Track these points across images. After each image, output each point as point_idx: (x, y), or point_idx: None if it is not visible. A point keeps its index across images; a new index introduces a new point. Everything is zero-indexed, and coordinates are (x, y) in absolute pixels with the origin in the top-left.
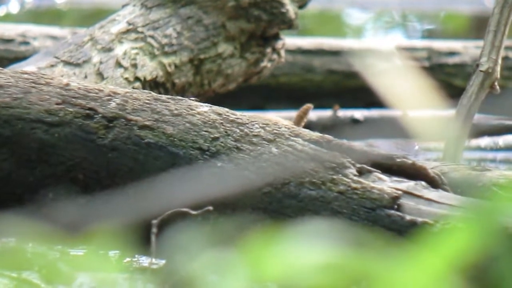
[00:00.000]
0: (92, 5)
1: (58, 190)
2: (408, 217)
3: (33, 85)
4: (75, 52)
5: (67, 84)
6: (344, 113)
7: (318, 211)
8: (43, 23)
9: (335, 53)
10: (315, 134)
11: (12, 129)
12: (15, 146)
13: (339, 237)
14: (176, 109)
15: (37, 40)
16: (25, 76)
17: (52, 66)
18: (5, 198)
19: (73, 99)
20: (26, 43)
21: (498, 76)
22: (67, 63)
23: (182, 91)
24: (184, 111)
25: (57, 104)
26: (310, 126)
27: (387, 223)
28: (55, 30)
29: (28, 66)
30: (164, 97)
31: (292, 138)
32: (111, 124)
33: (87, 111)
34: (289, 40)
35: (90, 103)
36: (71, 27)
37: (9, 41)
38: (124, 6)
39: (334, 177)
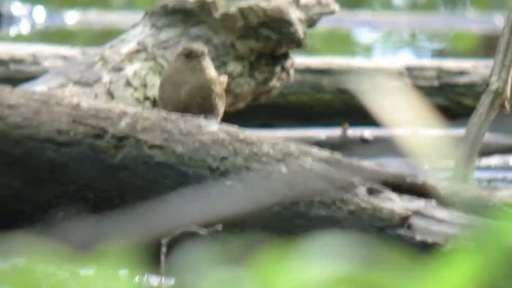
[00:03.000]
0: (102, 25)
1: (69, 209)
2: (418, 237)
3: (44, 105)
4: (86, 72)
5: (78, 104)
6: (353, 132)
7: (327, 230)
8: (53, 43)
9: (344, 72)
10: (325, 153)
11: (23, 148)
12: (26, 166)
13: (349, 255)
14: (185, 128)
15: (47, 60)
16: (36, 96)
17: (62, 86)
18: (16, 217)
19: (83, 118)
20: (36, 63)
21: (508, 95)
22: (77, 83)
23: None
24: (194, 130)
25: (67, 124)
26: (319, 145)
27: (397, 243)
28: (65, 50)
29: (39, 86)
30: (173, 116)
31: (301, 157)
32: (121, 144)
33: (98, 131)
34: (298, 59)
35: (101, 122)
36: (82, 47)
37: (20, 61)
38: (134, 26)
39: (344, 196)
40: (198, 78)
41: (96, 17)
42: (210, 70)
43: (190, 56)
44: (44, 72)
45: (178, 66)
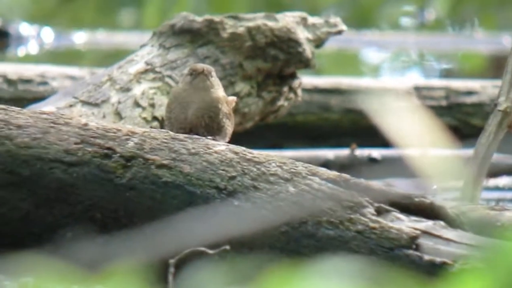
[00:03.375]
0: (111, 45)
1: (77, 230)
2: (426, 257)
3: (52, 125)
4: (94, 92)
5: (86, 124)
6: (361, 152)
7: (335, 250)
8: (62, 64)
9: (352, 92)
10: (333, 173)
11: (31, 169)
12: (34, 186)
13: (357, 275)
14: (193, 148)
15: (56, 80)
16: (44, 116)
17: (71, 106)
18: (24, 237)
19: (91, 138)
20: (45, 83)
21: None
22: (85, 103)
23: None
24: (201, 150)
25: (75, 144)
26: (327, 165)
27: (406, 263)
28: (73, 71)
29: (47, 106)
30: (181, 136)
31: (309, 177)
32: (129, 164)
33: (105, 151)
34: (306, 79)
35: (109, 142)
36: (90, 67)
37: (28, 81)
38: (142, 46)
39: (352, 216)
40: (203, 97)
41: (104, 38)
42: (217, 89)
43: (194, 74)
44: (52, 92)
45: (184, 86)
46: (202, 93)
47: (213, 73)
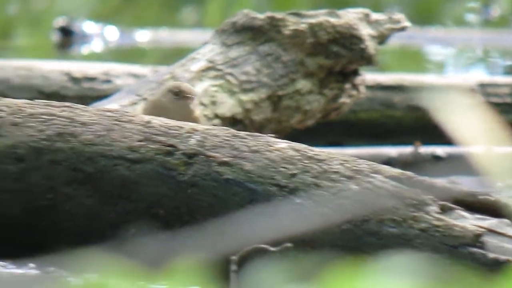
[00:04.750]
0: (173, 43)
1: (139, 226)
2: (491, 255)
3: (116, 122)
4: (157, 90)
5: (149, 122)
6: (425, 149)
7: (398, 248)
8: (125, 62)
9: (415, 88)
10: (396, 171)
11: (95, 166)
12: (98, 183)
13: (420, 273)
14: (254, 145)
15: (119, 78)
16: (108, 113)
17: (134, 103)
18: (88, 234)
19: (154, 136)
20: (108, 81)
21: None
22: None
23: (260, 128)
24: (262, 147)
25: (139, 141)
26: (390, 162)
27: (469, 261)
28: (137, 68)
29: (111, 104)
30: (242, 133)
31: (372, 174)
32: (191, 161)
33: (168, 148)
34: (369, 76)
35: (171, 140)
36: (153, 65)
37: (92, 79)
38: (204, 44)
39: (416, 214)
40: (185, 119)
41: (167, 36)
42: (196, 112)
43: (179, 95)
44: (116, 90)
45: (166, 102)
46: (185, 115)
47: (195, 95)
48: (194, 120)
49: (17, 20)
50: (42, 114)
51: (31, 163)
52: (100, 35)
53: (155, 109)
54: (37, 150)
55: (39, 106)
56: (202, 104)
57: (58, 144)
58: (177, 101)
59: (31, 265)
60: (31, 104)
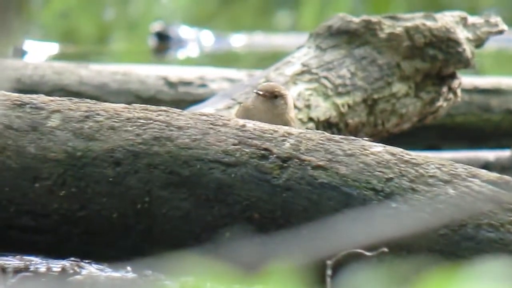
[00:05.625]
0: (268, 47)
1: (234, 229)
2: None
3: (211, 126)
4: (251, 94)
5: (243, 125)
6: None
7: (495, 253)
8: (220, 66)
9: None
10: (493, 175)
11: (191, 169)
12: (194, 186)
13: None
14: (349, 149)
15: (214, 82)
16: (203, 117)
17: (229, 107)
18: (184, 237)
19: (249, 139)
20: (204, 85)
21: None
22: None
23: (355, 131)
24: (358, 151)
25: (233, 145)
26: (488, 166)
27: None
28: (231, 73)
29: (206, 108)
30: (337, 137)
31: (469, 178)
32: (285, 164)
33: (262, 152)
34: (466, 79)
35: (265, 143)
36: (248, 69)
37: (188, 83)
38: (299, 48)
39: None
40: (276, 120)
41: (262, 40)
42: (282, 110)
43: (264, 96)
44: (211, 94)
45: (256, 104)
46: (276, 116)
47: (284, 95)
48: (287, 121)
49: (114, 25)
50: (139, 118)
51: (128, 167)
52: (195, 39)
53: (248, 112)
54: (134, 154)
55: (136, 111)
56: (296, 107)
57: (154, 148)
58: (266, 101)
59: (128, 268)
60: (128, 108)
